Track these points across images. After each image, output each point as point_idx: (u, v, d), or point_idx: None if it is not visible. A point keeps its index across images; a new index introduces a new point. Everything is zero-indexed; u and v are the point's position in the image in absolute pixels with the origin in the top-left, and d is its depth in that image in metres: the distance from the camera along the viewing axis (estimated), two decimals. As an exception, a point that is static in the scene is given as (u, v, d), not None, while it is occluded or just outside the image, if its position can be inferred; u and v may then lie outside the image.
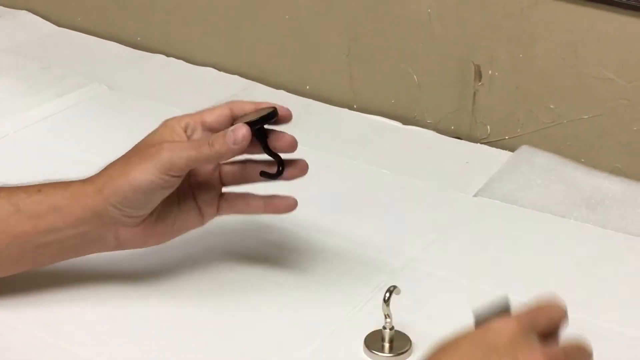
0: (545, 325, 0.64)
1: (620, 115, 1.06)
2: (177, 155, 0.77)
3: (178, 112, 1.17)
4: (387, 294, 0.77)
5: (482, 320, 0.64)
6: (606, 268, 0.90)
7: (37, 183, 0.81)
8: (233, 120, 0.81)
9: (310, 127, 1.16)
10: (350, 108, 1.21)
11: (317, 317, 0.82)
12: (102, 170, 0.81)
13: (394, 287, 0.77)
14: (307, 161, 1.08)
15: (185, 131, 0.81)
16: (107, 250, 0.82)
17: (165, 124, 0.82)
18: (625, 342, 0.80)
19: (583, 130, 1.09)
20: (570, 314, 0.82)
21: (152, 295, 0.84)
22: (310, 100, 1.23)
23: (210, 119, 0.81)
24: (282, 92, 1.24)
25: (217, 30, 1.31)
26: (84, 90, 1.22)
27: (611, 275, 0.89)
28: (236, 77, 1.28)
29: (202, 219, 0.84)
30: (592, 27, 1.04)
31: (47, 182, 0.81)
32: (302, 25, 1.24)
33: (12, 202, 0.79)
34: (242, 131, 0.78)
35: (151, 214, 0.80)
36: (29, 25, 1.41)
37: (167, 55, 1.34)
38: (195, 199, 0.83)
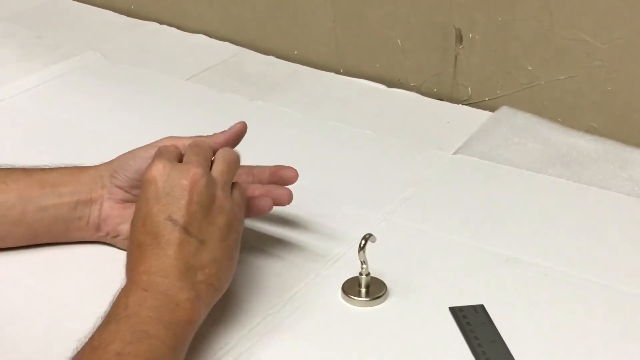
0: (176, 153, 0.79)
1: (595, 76, 1.09)
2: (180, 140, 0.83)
3: (170, 79, 1.22)
4: (363, 242, 0.81)
5: None
6: (578, 219, 0.94)
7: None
8: None
9: (298, 91, 1.20)
10: (337, 72, 1.25)
11: (297, 267, 0.86)
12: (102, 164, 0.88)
13: (370, 234, 0.81)
14: (295, 125, 1.12)
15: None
16: (90, 232, 0.87)
17: (161, 140, 0.85)
18: (592, 288, 0.84)
19: (559, 91, 1.12)
20: (543, 263, 0.87)
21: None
22: (298, 65, 1.26)
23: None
24: (271, 58, 1.28)
25: (208, -2, 1.34)
26: (78, 57, 1.26)
27: (582, 226, 0.93)
28: (227, 43, 1.32)
29: None
30: (567, -10, 1.08)
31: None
32: (290, -8, 1.27)
33: (28, 172, 0.86)
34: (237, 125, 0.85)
35: (134, 194, 0.85)
36: (23, -6, 1.45)
37: (160, 22, 1.37)
38: None
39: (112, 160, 0.87)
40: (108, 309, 0.70)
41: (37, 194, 0.84)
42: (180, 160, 0.79)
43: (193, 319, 0.72)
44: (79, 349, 0.67)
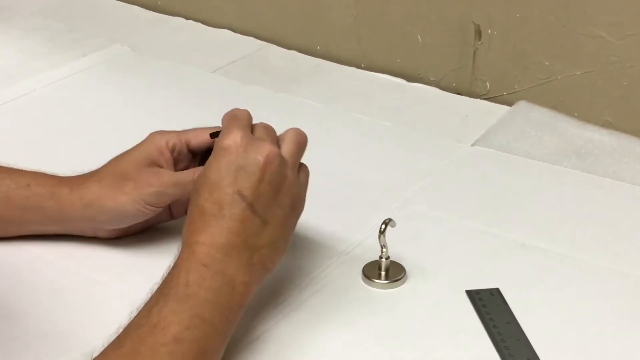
0: (250, 120, 0.79)
1: (611, 72, 1.11)
2: (165, 192, 0.83)
3: (196, 71, 1.25)
4: (383, 226, 0.83)
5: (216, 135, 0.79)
6: (591, 208, 0.96)
7: (27, 171, 0.87)
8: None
9: (321, 84, 1.23)
10: (358, 67, 1.28)
11: (319, 251, 0.89)
12: (89, 181, 0.84)
13: (390, 219, 0.84)
14: (317, 116, 1.15)
15: (172, 152, 0.84)
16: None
17: (153, 140, 0.85)
18: (604, 273, 0.86)
19: (576, 86, 1.14)
20: (557, 249, 0.90)
21: (166, 227, 0.91)
22: (321, 60, 1.29)
23: (194, 142, 0.84)
24: (294, 53, 1.31)
25: (233, -6, 1.38)
26: (107, 50, 1.30)
27: (596, 215, 0.95)
28: (251, 38, 1.35)
29: (171, 217, 0.89)
30: (584, -13, 1.11)
31: (35, 173, 0.87)
32: (313, -11, 1.30)
33: (3, 189, 0.85)
34: None
35: None
36: (54, -10, 1.49)
37: (186, 18, 1.41)
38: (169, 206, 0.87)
39: (89, 205, 0.84)
40: (165, 276, 0.72)
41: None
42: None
43: (244, 304, 0.74)
44: (132, 316, 0.69)
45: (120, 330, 0.69)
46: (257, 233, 0.75)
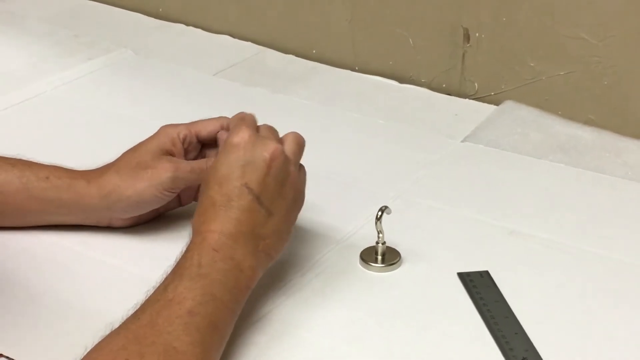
0: (256, 122, 0.86)
1: (593, 71, 1.17)
2: (181, 177, 0.88)
3: (198, 74, 1.30)
4: (379, 213, 0.89)
5: None
6: (575, 198, 1.02)
7: (45, 165, 0.91)
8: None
9: (317, 86, 1.28)
10: (352, 69, 1.33)
11: (319, 238, 0.94)
12: (107, 173, 0.89)
13: (385, 207, 0.89)
14: (314, 115, 1.20)
15: (183, 143, 0.90)
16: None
17: (165, 132, 0.90)
18: (587, 256, 0.92)
19: (560, 86, 1.20)
20: (543, 235, 0.95)
21: (174, 215, 0.96)
22: (317, 63, 1.34)
23: (204, 133, 0.90)
24: (290, 57, 1.36)
25: (232, 1, 1.42)
26: (112, 54, 1.35)
27: (579, 204, 1.01)
28: (249, 43, 1.40)
29: (179, 204, 0.95)
30: (566, -9, 1.16)
31: (54, 166, 0.91)
32: (309, -5, 1.35)
33: (23, 180, 0.90)
34: None
35: None
36: (61, -3, 1.55)
37: (187, 24, 1.45)
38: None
39: (107, 196, 0.89)
40: (179, 259, 0.77)
41: None
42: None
43: (250, 286, 0.80)
44: (149, 294, 0.75)
45: (138, 305, 0.74)
46: (263, 223, 0.80)
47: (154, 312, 0.72)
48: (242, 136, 0.82)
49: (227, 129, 0.89)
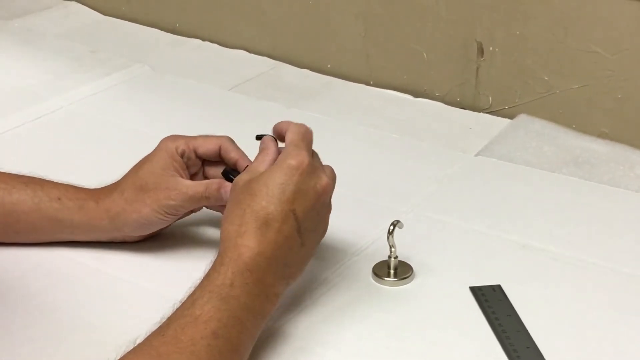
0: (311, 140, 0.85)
1: (606, 85, 1.17)
2: (181, 205, 0.89)
3: (213, 89, 1.32)
4: (392, 227, 0.89)
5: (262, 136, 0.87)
6: (587, 212, 1.02)
7: (58, 183, 0.93)
8: (219, 156, 0.91)
9: (331, 101, 1.29)
10: (367, 84, 1.34)
11: (331, 252, 0.95)
12: (114, 194, 0.90)
13: (397, 221, 0.90)
14: (328, 129, 1.21)
15: (182, 157, 0.90)
16: None
17: (165, 147, 0.90)
18: (598, 270, 0.92)
19: (573, 99, 1.20)
20: (555, 249, 0.96)
21: (184, 226, 0.97)
22: (331, 78, 1.35)
23: (202, 150, 0.90)
24: (305, 71, 1.38)
25: (247, 16, 1.44)
26: (129, 70, 1.36)
27: (591, 218, 1.01)
28: (265, 58, 1.41)
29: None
30: (579, 6, 1.16)
31: (65, 186, 0.92)
32: (323, 10, 1.36)
33: (35, 201, 0.91)
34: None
35: None
36: (78, 14, 1.56)
37: (202, 39, 1.47)
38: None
39: (115, 218, 0.90)
40: (210, 270, 0.77)
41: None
42: None
43: (271, 312, 0.80)
44: (176, 308, 0.75)
45: (164, 319, 0.75)
46: (295, 252, 0.81)
47: (178, 328, 0.73)
48: (302, 160, 0.81)
49: (226, 150, 0.90)
